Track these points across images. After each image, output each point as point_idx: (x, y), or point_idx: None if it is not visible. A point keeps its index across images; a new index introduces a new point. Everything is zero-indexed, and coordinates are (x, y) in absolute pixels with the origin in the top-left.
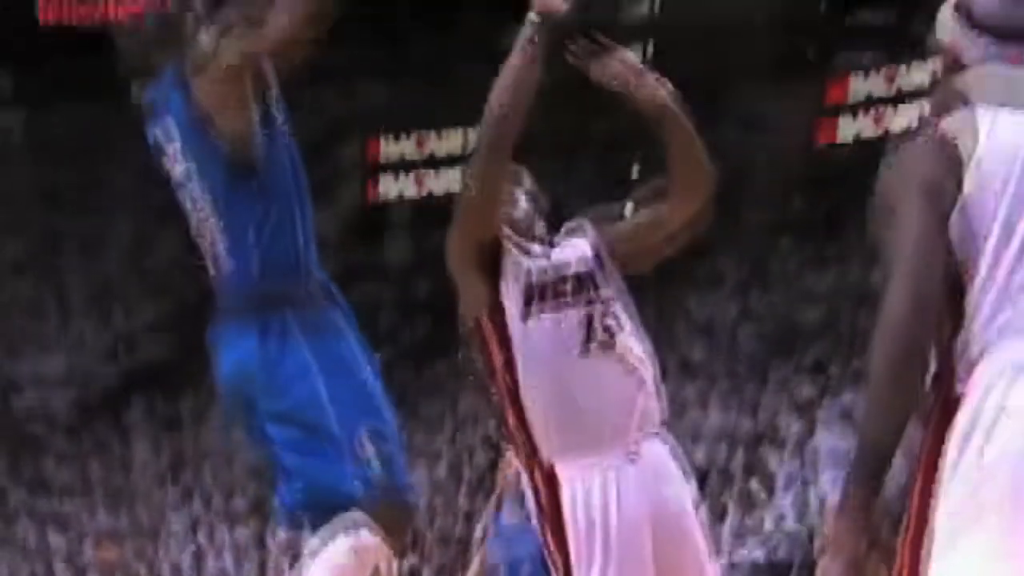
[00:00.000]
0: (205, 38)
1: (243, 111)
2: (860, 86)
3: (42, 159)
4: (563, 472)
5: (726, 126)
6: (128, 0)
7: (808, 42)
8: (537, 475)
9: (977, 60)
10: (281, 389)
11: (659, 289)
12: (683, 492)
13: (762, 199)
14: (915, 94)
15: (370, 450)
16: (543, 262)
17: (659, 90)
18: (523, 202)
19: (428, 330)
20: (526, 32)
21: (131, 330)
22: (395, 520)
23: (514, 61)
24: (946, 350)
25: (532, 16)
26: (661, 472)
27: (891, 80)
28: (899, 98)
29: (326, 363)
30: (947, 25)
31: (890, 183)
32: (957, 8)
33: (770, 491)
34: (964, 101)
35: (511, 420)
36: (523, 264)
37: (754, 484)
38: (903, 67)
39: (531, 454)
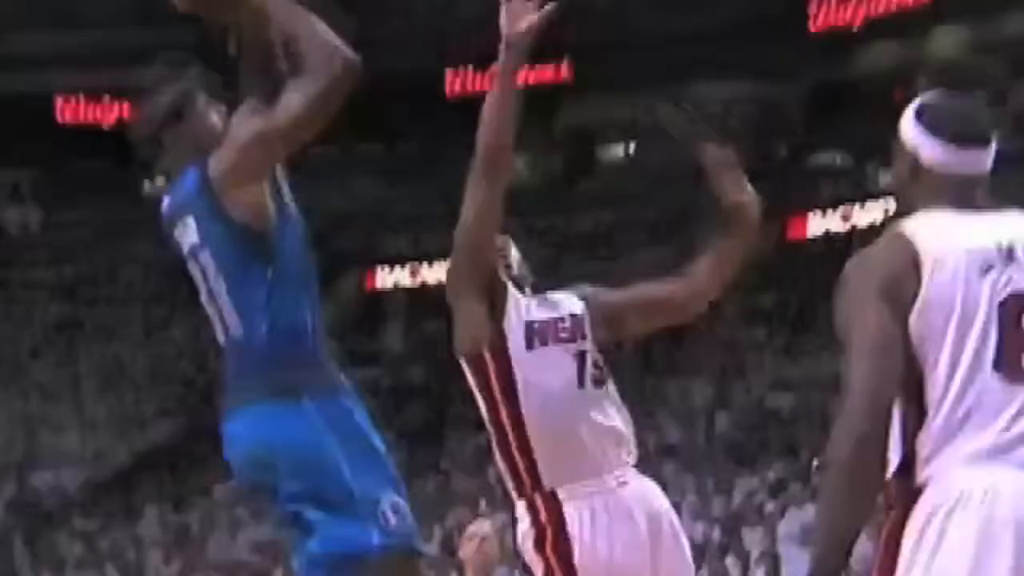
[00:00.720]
0: (216, 118)
1: (257, 185)
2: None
3: (59, 252)
4: (565, 495)
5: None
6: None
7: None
8: (538, 500)
9: (935, 164)
10: (300, 460)
11: (640, 375)
12: (667, 503)
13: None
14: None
15: (391, 516)
16: (541, 302)
17: (748, 188)
18: (515, 253)
19: (422, 413)
20: (502, 60)
21: (141, 412)
22: (408, 571)
23: (495, 89)
24: (911, 439)
25: (505, 42)
26: (647, 489)
27: (847, 218)
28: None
29: (343, 433)
30: (908, 130)
31: (851, 281)
32: (918, 114)
33: (744, 568)
34: (923, 204)
35: (514, 447)
36: (523, 301)
37: (729, 560)
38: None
39: (533, 480)
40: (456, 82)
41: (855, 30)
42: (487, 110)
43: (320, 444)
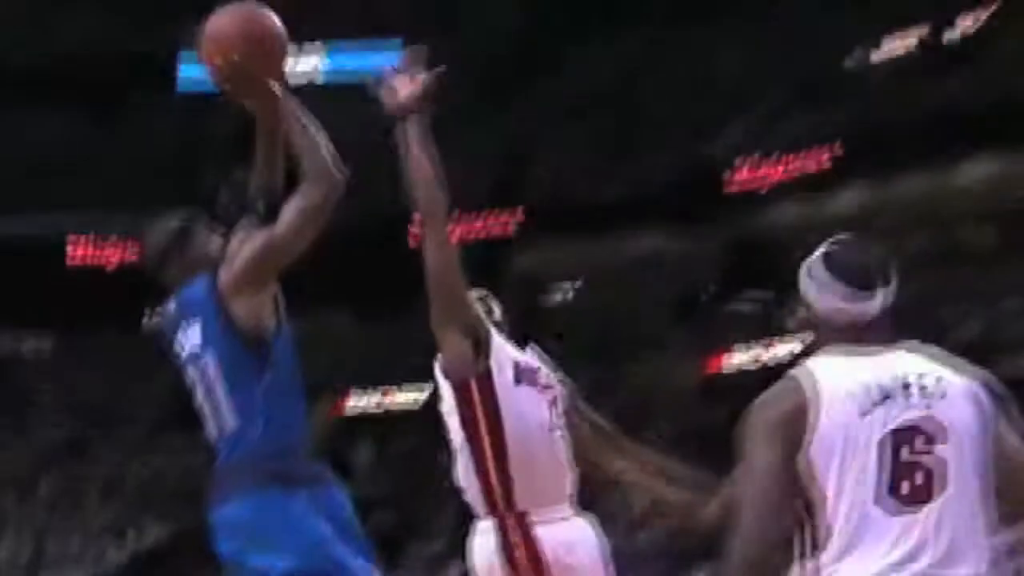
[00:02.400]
0: (215, 247)
1: (261, 294)
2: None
3: (67, 377)
4: (534, 517)
5: (630, 377)
6: None
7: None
8: (510, 519)
9: (828, 311)
10: (295, 543)
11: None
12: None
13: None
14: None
15: None
16: (522, 349)
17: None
18: (497, 308)
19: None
20: (404, 129)
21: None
22: None
23: (412, 155)
24: (809, 563)
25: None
26: (593, 520)
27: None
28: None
29: (334, 519)
30: (804, 280)
31: (750, 420)
32: (812, 265)
33: None
34: (822, 345)
35: (491, 470)
36: (507, 343)
37: None
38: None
39: (506, 502)
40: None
41: (765, 192)
42: (412, 176)
43: (314, 528)
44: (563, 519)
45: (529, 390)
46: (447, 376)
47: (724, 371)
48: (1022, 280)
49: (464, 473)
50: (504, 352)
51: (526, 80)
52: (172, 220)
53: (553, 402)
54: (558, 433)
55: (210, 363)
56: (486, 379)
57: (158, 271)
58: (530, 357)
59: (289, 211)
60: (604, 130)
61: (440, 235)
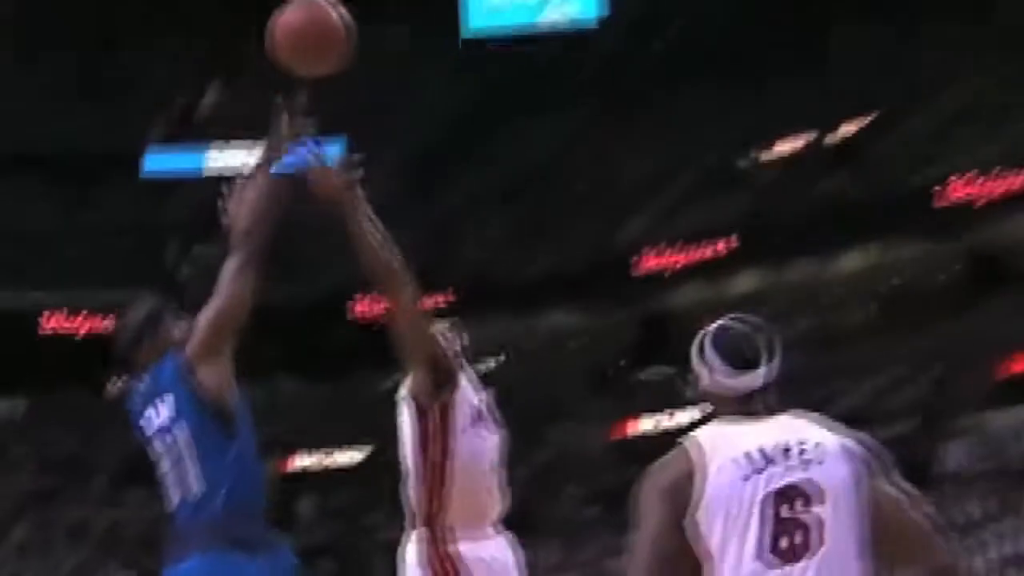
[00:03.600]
0: (180, 330)
1: (221, 363)
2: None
3: (38, 435)
4: (460, 534)
5: (547, 442)
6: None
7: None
8: (439, 531)
9: (715, 384)
10: None
11: None
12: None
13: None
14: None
15: None
16: (483, 396)
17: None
18: (463, 338)
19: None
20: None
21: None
22: None
23: (353, 234)
24: None
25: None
26: (512, 540)
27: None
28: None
29: None
30: (694, 357)
31: (644, 483)
32: (701, 343)
33: None
34: (714, 414)
35: (431, 488)
36: (472, 384)
37: None
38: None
39: (439, 516)
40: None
41: (669, 275)
42: (360, 252)
43: None
44: (486, 538)
45: (482, 430)
46: (412, 399)
47: (631, 436)
48: (897, 356)
49: (409, 485)
50: (466, 392)
51: (453, 170)
52: (143, 305)
53: (500, 442)
54: (498, 468)
55: (180, 435)
56: (445, 413)
57: (130, 351)
58: (488, 399)
59: (225, 278)
60: (525, 216)
61: (400, 295)
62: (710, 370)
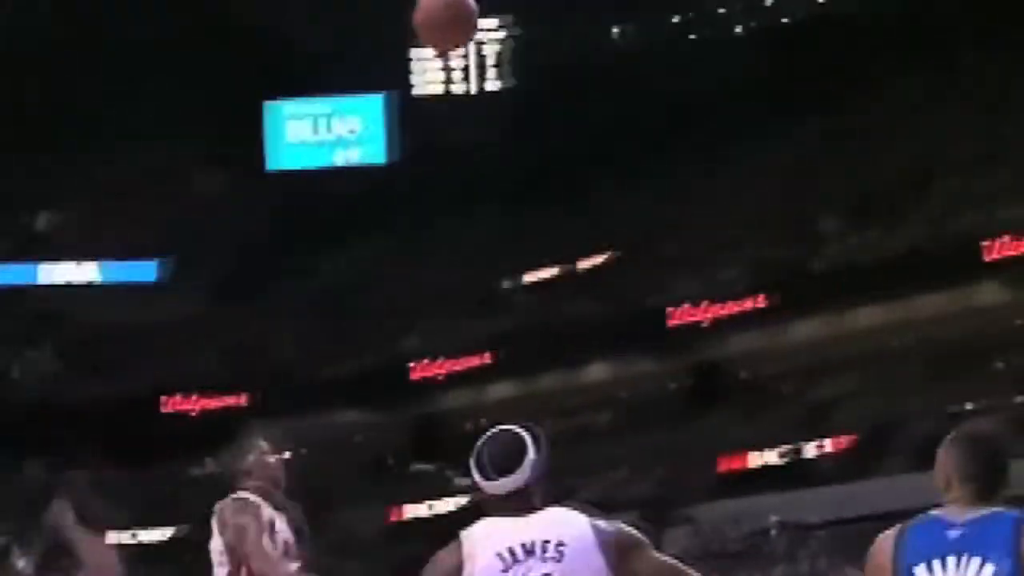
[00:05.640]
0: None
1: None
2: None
3: None
4: None
5: (332, 524)
6: None
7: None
8: None
9: (482, 485)
10: None
11: None
12: None
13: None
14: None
15: None
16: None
17: None
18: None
19: None
20: None
21: None
22: None
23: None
24: None
25: None
26: None
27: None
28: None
29: None
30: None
31: (422, 572)
32: (472, 452)
33: None
34: (473, 506)
35: None
36: (282, 524)
37: None
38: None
39: None
40: (170, 402)
41: (440, 382)
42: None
43: None
44: None
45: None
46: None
47: (405, 520)
48: (632, 454)
49: None
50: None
51: (259, 287)
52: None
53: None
54: None
55: None
56: None
57: None
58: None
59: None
60: (320, 327)
61: None
62: (474, 474)
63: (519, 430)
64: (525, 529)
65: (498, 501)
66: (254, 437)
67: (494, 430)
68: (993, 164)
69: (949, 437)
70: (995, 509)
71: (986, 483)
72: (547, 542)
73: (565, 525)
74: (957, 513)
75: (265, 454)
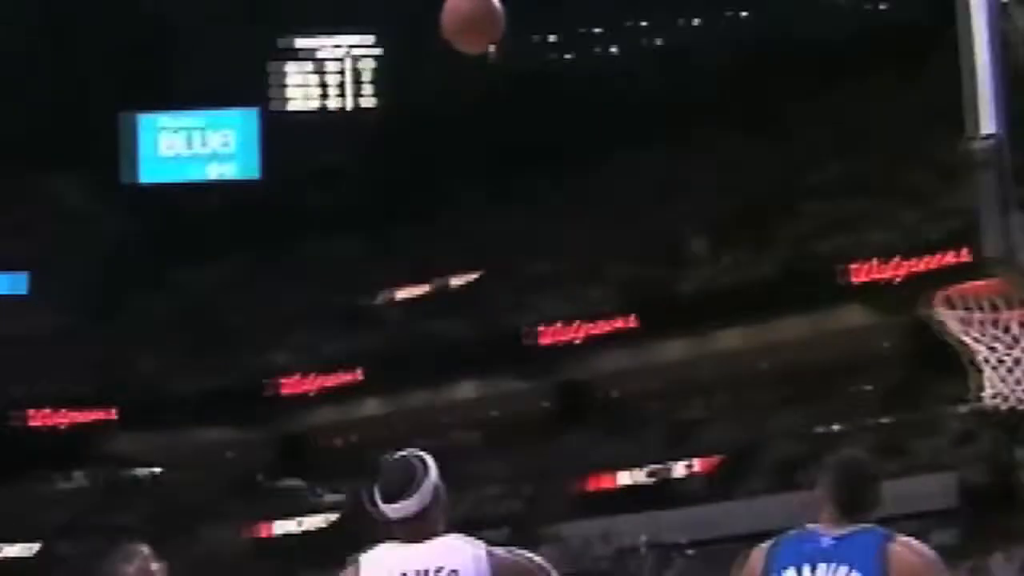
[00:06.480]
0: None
1: None
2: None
3: None
4: None
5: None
6: None
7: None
8: None
9: (375, 511)
10: None
11: None
12: None
13: None
14: None
15: None
16: None
17: None
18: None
19: None
20: None
21: None
22: None
23: None
24: None
25: None
26: None
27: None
28: None
29: None
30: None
31: None
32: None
33: None
34: (348, 533)
35: None
36: None
37: None
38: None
39: None
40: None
41: (308, 398)
42: None
43: None
44: None
45: None
46: None
47: (267, 536)
48: (500, 472)
49: None
50: None
51: (126, 301)
52: None
53: None
54: None
55: None
56: None
57: None
58: None
59: None
60: (186, 343)
61: None
62: (371, 498)
63: (416, 455)
64: (419, 556)
65: (396, 526)
66: (137, 545)
67: (392, 455)
68: (858, 188)
69: (822, 462)
70: (865, 526)
71: (857, 503)
72: (440, 569)
73: (459, 553)
74: (830, 528)
75: (148, 560)
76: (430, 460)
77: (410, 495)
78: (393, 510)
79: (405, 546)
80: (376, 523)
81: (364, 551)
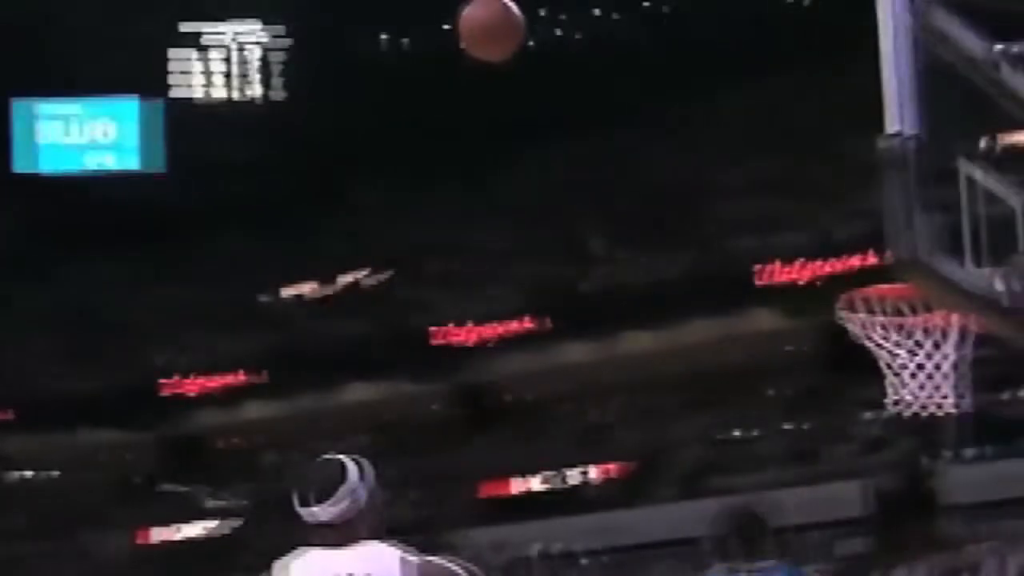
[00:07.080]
0: None
1: None
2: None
3: None
4: None
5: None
6: None
7: None
8: None
9: (298, 514)
10: None
11: None
12: None
13: None
14: None
15: None
16: None
17: None
18: None
19: None
20: None
21: None
22: None
23: None
24: None
25: None
26: None
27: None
28: None
29: None
30: None
31: None
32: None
33: None
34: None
35: None
36: None
37: None
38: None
39: None
40: None
41: (193, 399)
42: None
43: None
44: None
45: None
46: None
47: (153, 542)
48: (394, 477)
49: None
50: None
51: (7, 296)
52: None
53: None
54: None
55: None
56: None
57: None
58: None
59: None
60: (70, 341)
61: None
62: (294, 501)
63: (343, 458)
64: (337, 562)
65: (318, 530)
66: None
67: (319, 457)
68: (766, 189)
69: (723, 512)
70: (774, 562)
71: (758, 544)
72: None
73: (375, 560)
74: (743, 565)
75: None
76: (366, 464)
77: (334, 498)
78: (314, 513)
79: (324, 552)
80: (275, 527)
81: (280, 558)
